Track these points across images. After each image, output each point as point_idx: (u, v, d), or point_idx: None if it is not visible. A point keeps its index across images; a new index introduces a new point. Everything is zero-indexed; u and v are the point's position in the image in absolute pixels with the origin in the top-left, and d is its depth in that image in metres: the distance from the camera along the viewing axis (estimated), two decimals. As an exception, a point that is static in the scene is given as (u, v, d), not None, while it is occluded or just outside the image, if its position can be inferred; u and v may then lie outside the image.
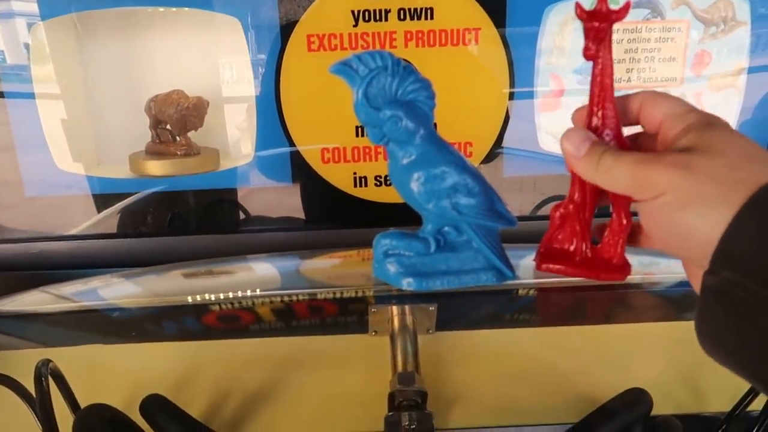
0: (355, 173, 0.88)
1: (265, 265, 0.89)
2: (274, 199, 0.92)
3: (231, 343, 0.73)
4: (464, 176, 0.45)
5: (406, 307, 0.71)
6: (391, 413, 0.59)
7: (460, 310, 0.77)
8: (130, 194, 0.89)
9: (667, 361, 0.70)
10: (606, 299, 0.84)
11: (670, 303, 0.83)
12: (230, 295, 0.78)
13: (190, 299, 0.77)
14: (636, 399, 0.58)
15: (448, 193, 0.45)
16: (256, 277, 0.87)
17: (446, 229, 0.47)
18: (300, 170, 0.88)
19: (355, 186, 0.89)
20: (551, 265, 0.48)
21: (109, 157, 0.91)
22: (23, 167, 0.85)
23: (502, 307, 0.81)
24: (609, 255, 0.47)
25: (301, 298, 0.77)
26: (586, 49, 0.43)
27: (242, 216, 0.92)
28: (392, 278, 0.48)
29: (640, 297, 0.83)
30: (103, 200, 0.88)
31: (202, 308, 0.77)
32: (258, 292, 0.78)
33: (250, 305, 0.77)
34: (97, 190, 0.88)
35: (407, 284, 0.47)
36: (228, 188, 0.91)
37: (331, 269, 0.90)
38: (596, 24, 0.42)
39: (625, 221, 0.46)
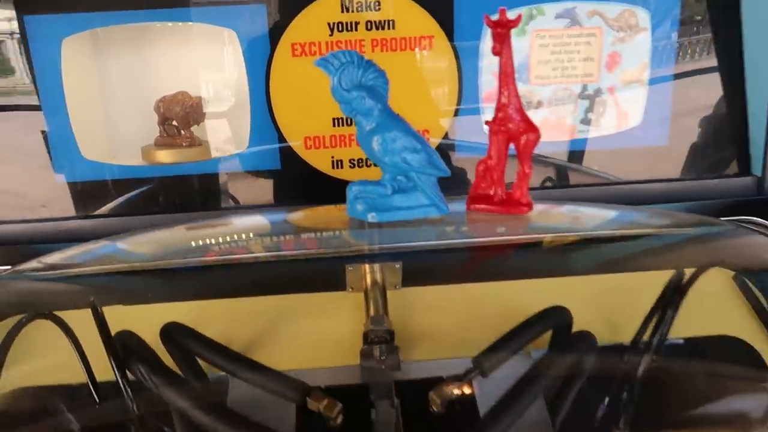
0: (332, 157, 1.03)
1: (258, 217, 0.98)
2: (265, 181, 1.07)
3: (228, 302, 0.82)
4: (410, 138, 0.62)
5: (376, 266, 0.80)
6: (365, 346, 0.69)
7: (421, 268, 0.88)
8: (144, 179, 1.03)
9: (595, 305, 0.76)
10: (542, 254, 0.92)
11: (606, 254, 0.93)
12: (222, 255, 0.83)
13: (187, 260, 0.81)
14: (557, 313, 0.68)
15: (399, 150, 0.62)
16: (248, 227, 0.95)
17: (399, 177, 0.64)
18: (287, 156, 1.03)
19: (333, 168, 1.04)
20: (477, 206, 0.66)
21: (121, 150, 1.06)
22: (55, 157, 1.00)
23: (456, 265, 0.91)
24: (517, 196, 0.65)
25: (288, 259, 0.83)
26: (493, 48, 0.62)
27: (237, 196, 1.07)
28: (360, 214, 0.65)
29: (575, 250, 0.87)
30: (122, 184, 1.03)
31: (199, 270, 0.80)
32: (250, 254, 0.85)
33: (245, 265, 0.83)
34: (116, 175, 1.02)
35: (371, 218, 0.64)
36: (226, 172, 1.06)
37: (314, 234, 1.00)
38: (499, 30, 0.60)
39: (527, 170, 0.64)
